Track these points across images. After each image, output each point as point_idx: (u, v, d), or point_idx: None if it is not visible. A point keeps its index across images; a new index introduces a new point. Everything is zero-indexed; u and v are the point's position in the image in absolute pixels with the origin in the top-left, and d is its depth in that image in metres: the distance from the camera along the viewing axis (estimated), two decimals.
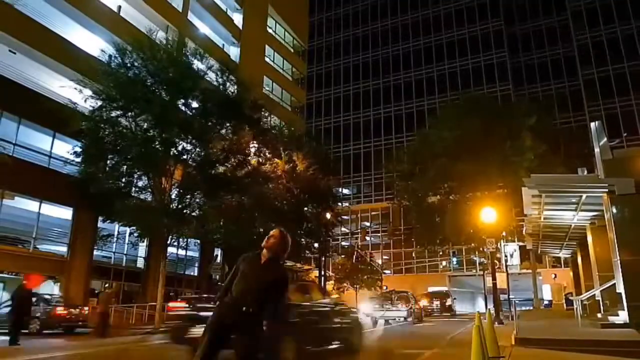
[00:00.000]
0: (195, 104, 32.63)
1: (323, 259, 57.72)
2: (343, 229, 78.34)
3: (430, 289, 60.65)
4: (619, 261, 20.22)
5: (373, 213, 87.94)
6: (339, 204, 58.99)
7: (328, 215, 50.01)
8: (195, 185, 31.79)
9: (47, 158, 32.62)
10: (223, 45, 55.48)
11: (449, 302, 42.94)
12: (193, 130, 30.82)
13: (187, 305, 13.99)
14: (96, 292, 34.10)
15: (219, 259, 45.88)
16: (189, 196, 32.26)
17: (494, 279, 31.66)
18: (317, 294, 14.83)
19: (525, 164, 41.98)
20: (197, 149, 32.67)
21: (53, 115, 29.31)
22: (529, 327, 21.13)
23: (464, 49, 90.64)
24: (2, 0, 24.38)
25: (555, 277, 66.91)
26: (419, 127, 74.37)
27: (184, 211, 32.10)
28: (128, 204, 30.67)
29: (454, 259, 78.76)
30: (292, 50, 71.81)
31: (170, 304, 23.22)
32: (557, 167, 40.45)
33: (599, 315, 24.87)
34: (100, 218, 34.76)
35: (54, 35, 34.82)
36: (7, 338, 18.52)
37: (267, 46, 64.17)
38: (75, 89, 29.38)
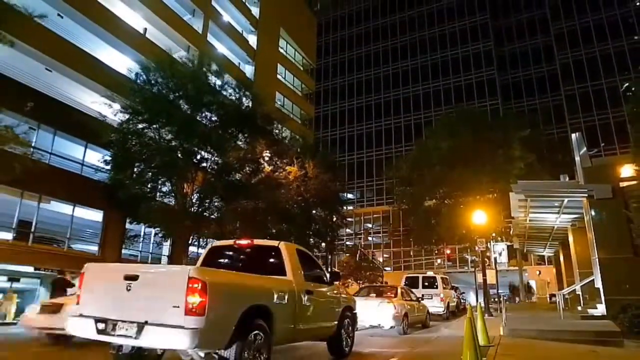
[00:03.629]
0: (213, 117, 32.68)
1: (329, 257, 57.64)
2: (348, 230, 78.25)
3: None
4: (597, 259, 20.24)
5: (375, 216, 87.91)
6: (344, 207, 58.98)
7: (334, 218, 49.99)
8: (214, 191, 31.80)
9: (79, 166, 32.66)
10: (239, 63, 55.56)
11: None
12: (212, 140, 30.84)
13: None
14: None
15: None
16: (208, 200, 32.28)
17: (484, 275, 31.51)
18: None
19: (515, 171, 41.95)
20: (216, 158, 32.70)
21: (85, 127, 29.53)
22: (515, 319, 21.07)
23: (457, 67, 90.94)
24: (41, 24, 24.42)
25: (540, 273, 66.82)
26: (416, 138, 74.68)
27: (204, 214, 32.13)
28: (153, 207, 30.75)
29: (448, 250, 78.60)
30: (301, 68, 71.87)
31: None
32: (542, 175, 40.41)
33: (579, 308, 24.86)
34: (127, 220, 34.77)
35: (86, 55, 34.94)
36: None
37: (279, 65, 64.25)
38: (105, 103, 29.50)
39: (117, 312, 7.52)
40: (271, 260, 10.64)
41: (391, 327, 19.74)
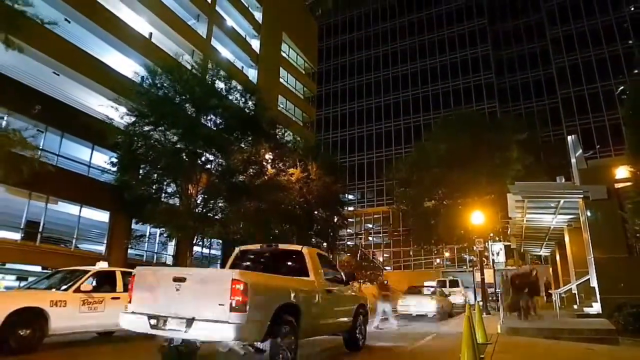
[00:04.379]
0: (218, 120, 32.70)
1: (331, 257, 57.63)
2: (349, 230, 78.25)
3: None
4: (592, 259, 20.30)
5: (375, 216, 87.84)
6: (345, 208, 58.95)
7: (335, 218, 49.96)
8: (218, 192, 31.81)
9: (86, 167, 32.65)
10: (242, 67, 55.62)
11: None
12: (216, 143, 30.83)
13: None
14: None
15: None
16: (212, 201, 32.28)
17: (482, 274, 31.57)
18: None
19: (512, 173, 41.98)
20: (220, 160, 32.72)
21: (92, 130, 29.54)
22: (513, 317, 21.09)
23: (456, 71, 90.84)
24: (48, 28, 24.39)
25: (537, 273, 66.70)
26: (416, 140, 74.91)
27: (208, 214, 32.12)
28: (158, 208, 30.76)
29: (446, 254, 78.42)
30: (303, 72, 71.96)
31: None
32: (538, 176, 40.41)
33: (575, 306, 24.87)
34: (133, 220, 34.77)
35: (92, 59, 34.99)
36: None
37: (281, 68, 64.30)
38: (112, 106, 29.53)
39: (168, 310, 8.55)
40: (294, 262, 11.72)
41: (433, 315, 28.10)
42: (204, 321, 8.12)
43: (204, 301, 8.31)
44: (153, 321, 8.55)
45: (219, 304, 8.10)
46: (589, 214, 21.06)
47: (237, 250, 12.57)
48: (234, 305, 7.99)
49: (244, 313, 8.03)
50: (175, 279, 8.67)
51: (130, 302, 9.16)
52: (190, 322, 8.15)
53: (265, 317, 8.63)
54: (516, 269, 26.17)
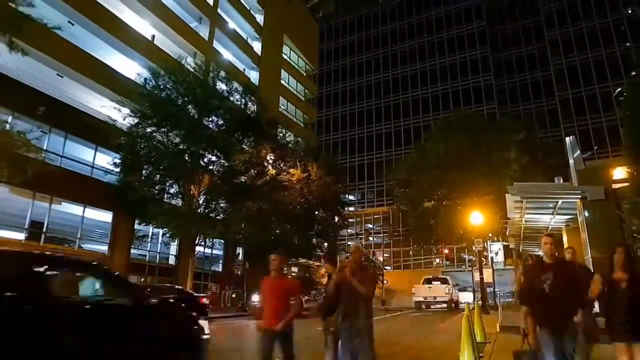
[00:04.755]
0: (220, 121, 32.74)
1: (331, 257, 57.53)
2: (349, 230, 78.20)
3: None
4: (590, 259, 20.23)
5: (375, 216, 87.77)
6: (346, 208, 58.91)
7: (336, 219, 49.97)
8: (220, 192, 31.89)
9: (90, 168, 32.67)
10: (244, 69, 55.61)
11: None
12: (218, 144, 30.92)
13: None
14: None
15: (240, 257, 45.80)
16: (214, 202, 32.36)
17: (481, 274, 31.63)
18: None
19: (510, 173, 42.01)
20: (222, 161, 32.78)
21: (95, 131, 29.68)
22: (511, 316, 21.08)
23: (455, 73, 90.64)
24: (52, 31, 24.38)
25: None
26: (415, 141, 74.70)
27: (210, 215, 32.21)
28: (161, 208, 30.80)
29: (446, 251, 78.24)
30: (304, 74, 71.96)
31: None
32: (536, 177, 40.41)
33: None
34: (136, 221, 34.77)
35: (96, 61, 34.95)
36: None
37: (282, 70, 64.34)
38: (115, 107, 29.64)
39: (428, 295, 35.29)
40: (443, 281, 41.12)
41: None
42: (439, 297, 37.13)
43: (438, 292, 30.93)
44: (423, 299, 35.08)
45: (446, 293, 38.50)
46: (586, 214, 21.07)
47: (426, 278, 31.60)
48: (446, 293, 38.56)
49: (449, 296, 38.73)
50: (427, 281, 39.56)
51: (414, 294, 40.38)
52: (435, 298, 33.06)
53: (452, 297, 39.43)
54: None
